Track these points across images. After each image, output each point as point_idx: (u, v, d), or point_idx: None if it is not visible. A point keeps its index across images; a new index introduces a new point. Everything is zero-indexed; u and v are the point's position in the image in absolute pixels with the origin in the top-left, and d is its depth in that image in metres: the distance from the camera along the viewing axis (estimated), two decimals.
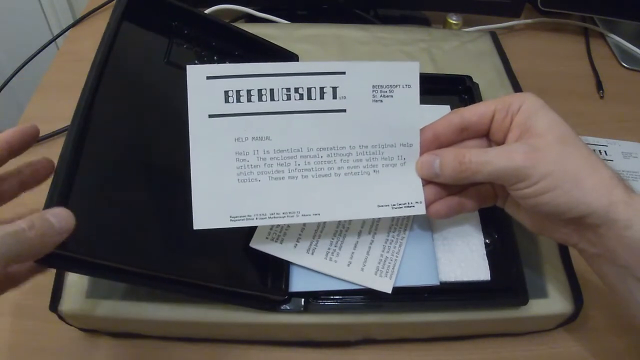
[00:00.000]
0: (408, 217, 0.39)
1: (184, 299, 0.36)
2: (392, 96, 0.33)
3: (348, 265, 0.36)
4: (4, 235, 0.24)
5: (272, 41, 0.47)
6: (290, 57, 0.48)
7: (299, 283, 0.36)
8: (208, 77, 0.31)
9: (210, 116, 0.31)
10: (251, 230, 0.37)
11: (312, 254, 0.37)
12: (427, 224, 0.39)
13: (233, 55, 0.44)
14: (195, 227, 0.30)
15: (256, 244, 0.36)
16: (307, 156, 0.33)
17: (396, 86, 0.33)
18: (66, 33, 0.64)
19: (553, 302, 0.38)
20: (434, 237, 0.38)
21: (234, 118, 0.31)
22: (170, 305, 0.35)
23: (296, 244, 0.37)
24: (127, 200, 0.33)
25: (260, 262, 0.36)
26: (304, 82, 0.32)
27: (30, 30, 0.94)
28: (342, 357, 0.39)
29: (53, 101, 0.55)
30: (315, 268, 0.36)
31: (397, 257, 0.37)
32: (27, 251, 0.25)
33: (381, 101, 0.33)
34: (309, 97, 0.32)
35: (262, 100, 0.31)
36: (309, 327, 0.37)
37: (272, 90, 0.31)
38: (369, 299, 0.36)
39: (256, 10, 0.63)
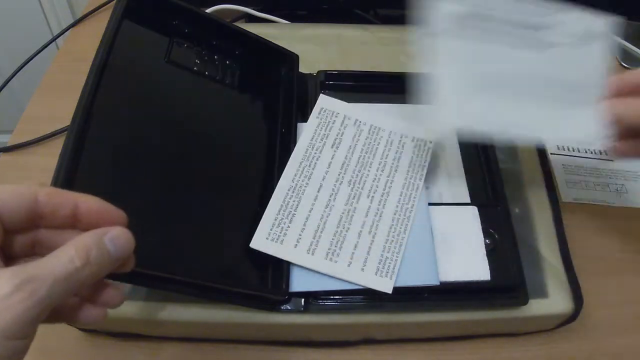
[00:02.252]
0: (408, 217, 0.39)
1: (184, 299, 0.36)
2: (592, 44, 0.37)
3: (348, 265, 0.36)
4: (54, 282, 0.21)
5: (272, 41, 0.47)
6: (291, 57, 0.48)
7: (299, 283, 0.36)
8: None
9: (445, 33, 0.35)
10: (251, 231, 0.37)
11: (312, 254, 0.37)
12: (427, 223, 0.39)
13: (234, 54, 0.44)
14: (437, 127, 0.37)
15: (256, 244, 0.36)
16: (519, 81, 0.36)
17: (597, 36, 0.37)
18: (66, 33, 0.64)
19: (553, 302, 0.38)
20: (434, 237, 0.38)
21: (465, 39, 0.36)
22: (170, 305, 0.36)
23: (296, 244, 0.37)
24: (126, 200, 0.33)
25: (260, 262, 0.36)
26: (528, 17, 0.36)
27: (30, 30, 0.94)
28: (342, 357, 0.39)
29: (53, 101, 0.55)
30: (315, 268, 0.36)
31: (397, 257, 0.37)
32: (76, 290, 0.22)
33: (584, 47, 0.37)
34: (531, 31, 0.36)
35: (490, 27, 0.36)
36: (309, 327, 0.37)
37: (499, 19, 0.36)
38: (369, 299, 0.36)
39: (256, 10, 0.63)
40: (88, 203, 0.24)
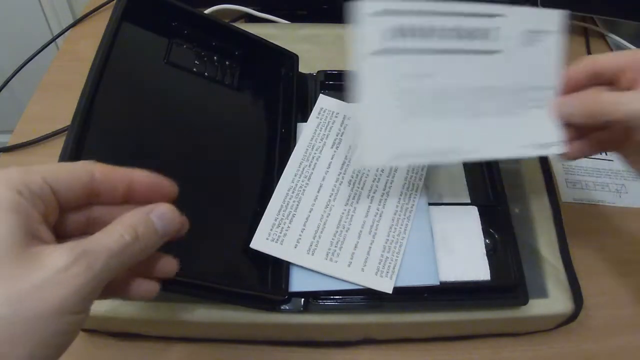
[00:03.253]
0: (408, 217, 0.39)
1: (184, 299, 0.36)
2: (540, 41, 0.34)
3: (348, 265, 0.36)
4: (109, 258, 0.21)
5: (272, 41, 0.47)
6: (290, 57, 0.48)
7: (299, 283, 0.36)
8: (375, 13, 0.31)
9: (375, 52, 0.31)
10: (251, 231, 0.37)
11: (313, 254, 0.37)
12: (427, 224, 0.39)
13: (234, 55, 0.44)
14: (363, 164, 0.32)
15: (256, 244, 0.36)
16: (463, 95, 0.34)
17: (545, 32, 0.35)
18: (66, 33, 0.64)
19: (553, 302, 0.38)
20: (434, 237, 0.38)
21: (399, 55, 0.32)
22: (170, 305, 0.36)
23: (296, 245, 0.37)
24: None
25: (260, 262, 0.36)
26: (468, 23, 0.33)
27: (30, 30, 0.94)
28: (342, 357, 0.39)
29: (53, 101, 0.55)
30: (315, 268, 0.36)
31: (397, 257, 0.37)
32: (129, 264, 0.23)
33: (531, 45, 0.34)
34: (472, 38, 0.33)
35: (426, 38, 0.32)
36: (309, 327, 0.37)
37: (436, 30, 0.32)
38: (369, 299, 0.36)
39: (256, 10, 0.63)
40: (142, 177, 0.25)
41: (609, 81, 0.34)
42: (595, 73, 0.34)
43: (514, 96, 0.35)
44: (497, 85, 0.34)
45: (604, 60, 0.34)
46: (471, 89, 0.34)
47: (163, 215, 0.25)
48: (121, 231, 0.22)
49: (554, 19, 0.35)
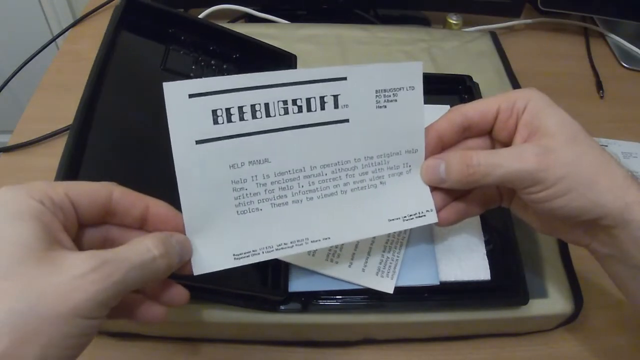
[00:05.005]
0: None
1: None
2: (396, 100, 0.31)
3: (349, 266, 0.36)
4: (129, 269, 0.22)
5: (272, 41, 0.47)
6: (289, 58, 0.48)
7: (299, 283, 0.36)
8: (191, 95, 0.26)
9: (198, 142, 0.26)
10: None
11: (313, 255, 0.36)
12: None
13: (231, 58, 0.44)
14: (195, 274, 0.27)
15: None
16: (310, 176, 0.30)
17: (400, 89, 0.31)
18: (66, 33, 0.64)
19: (553, 302, 0.38)
20: (434, 237, 0.38)
21: (225, 141, 0.27)
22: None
23: None
24: None
25: (260, 262, 0.36)
26: (302, 93, 0.28)
27: (30, 30, 0.94)
28: (342, 357, 0.39)
29: (53, 101, 0.55)
30: (316, 269, 0.36)
31: (398, 257, 0.37)
32: (149, 280, 0.24)
33: (385, 107, 0.31)
34: (309, 109, 0.29)
35: (256, 118, 0.27)
36: (309, 327, 0.37)
37: (267, 105, 0.27)
38: (369, 298, 0.36)
39: (256, 10, 0.63)
40: (158, 206, 0.26)
41: (483, 132, 0.32)
42: (465, 126, 0.32)
43: (372, 167, 0.31)
44: (349, 159, 0.30)
45: (472, 111, 0.31)
46: (318, 167, 0.30)
47: (181, 243, 0.26)
48: (150, 245, 0.23)
49: (410, 72, 0.31)
